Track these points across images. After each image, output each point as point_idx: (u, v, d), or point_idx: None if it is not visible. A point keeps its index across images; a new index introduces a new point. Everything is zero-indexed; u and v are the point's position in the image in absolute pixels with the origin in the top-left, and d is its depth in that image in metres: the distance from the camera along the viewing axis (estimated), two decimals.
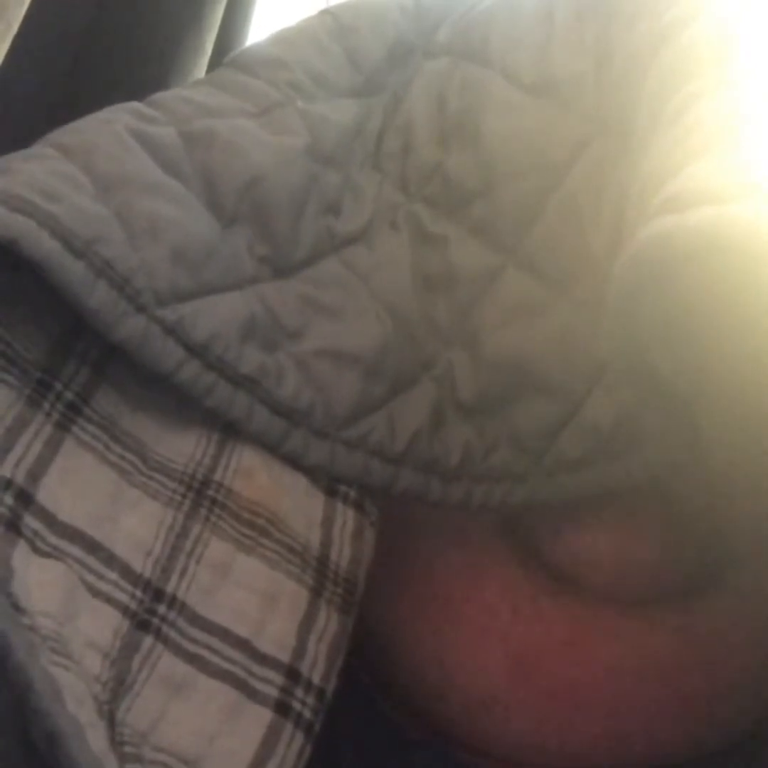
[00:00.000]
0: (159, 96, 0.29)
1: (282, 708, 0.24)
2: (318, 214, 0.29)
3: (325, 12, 0.32)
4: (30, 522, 0.23)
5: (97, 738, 0.20)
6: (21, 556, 0.22)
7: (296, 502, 0.27)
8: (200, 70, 0.52)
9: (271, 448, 0.26)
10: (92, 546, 0.23)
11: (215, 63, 0.53)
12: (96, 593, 0.23)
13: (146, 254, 0.24)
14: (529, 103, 0.29)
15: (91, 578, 0.23)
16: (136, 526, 0.24)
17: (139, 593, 0.24)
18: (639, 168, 0.23)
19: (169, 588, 0.24)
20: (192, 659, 0.24)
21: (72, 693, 0.20)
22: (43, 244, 0.22)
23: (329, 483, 0.27)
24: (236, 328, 0.26)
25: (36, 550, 0.22)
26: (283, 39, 0.31)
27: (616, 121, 0.27)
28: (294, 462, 0.27)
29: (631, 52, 0.27)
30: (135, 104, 0.28)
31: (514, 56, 0.30)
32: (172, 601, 0.24)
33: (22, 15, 0.45)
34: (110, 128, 0.26)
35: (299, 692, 0.25)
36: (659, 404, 0.25)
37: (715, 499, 0.27)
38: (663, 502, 0.28)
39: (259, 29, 0.57)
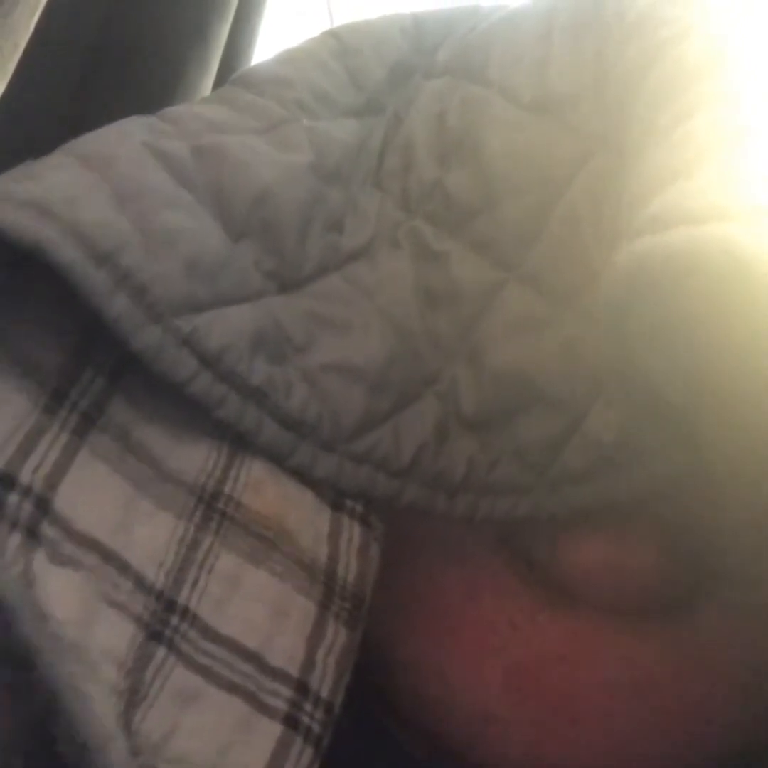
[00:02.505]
0: (170, 110, 0.29)
1: (291, 722, 0.25)
2: (323, 230, 0.29)
3: (328, 33, 0.33)
4: (47, 530, 0.23)
5: (120, 748, 0.21)
6: (40, 564, 0.22)
7: (303, 516, 0.27)
8: (206, 87, 0.53)
9: (279, 460, 0.27)
10: (108, 555, 0.24)
11: (220, 81, 0.53)
12: (112, 603, 0.23)
13: (162, 265, 0.25)
14: (528, 120, 0.29)
15: (107, 588, 0.23)
16: (149, 536, 0.25)
17: (152, 604, 0.24)
18: (630, 184, 0.24)
19: (181, 599, 0.24)
20: (203, 671, 0.24)
21: (97, 701, 0.21)
22: (68, 252, 0.23)
23: (335, 497, 0.27)
24: (247, 340, 0.26)
25: (53, 559, 0.23)
26: (287, 59, 0.32)
27: (614, 138, 0.27)
28: (301, 475, 0.27)
29: (626, 69, 0.27)
30: (149, 118, 0.28)
31: (513, 75, 0.30)
32: (185, 613, 0.24)
33: (30, 35, 0.46)
34: (128, 140, 0.26)
35: (308, 706, 0.25)
36: (657, 416, 0.25)
37: (709, 511, 0.27)
38: (657, 516, 0.28)
39: (264, 48, 0.57)
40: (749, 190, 0.19)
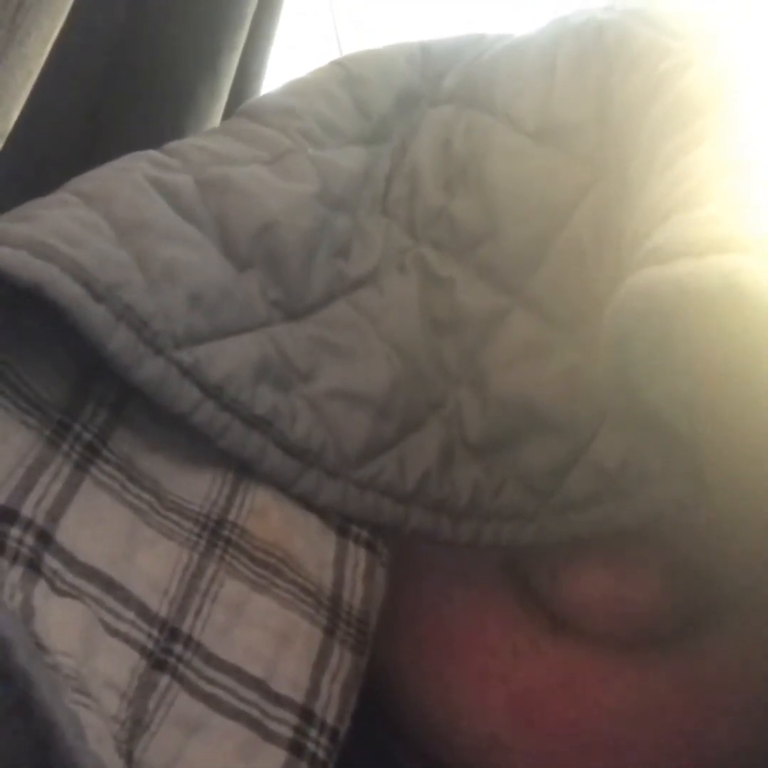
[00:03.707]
0: (174, 144, 0.29)
1: (296, 748, 0.25)
2: (329, 257, 0.29)
3: (335, 63, 0.33)
4: (49, 562, 0.23)
5: None
6: (41, 595, 0.22)
7: (308, 542, 0.27)
8: (216, 116, 0.53)
9: (284, 487, 0.27)
10: (110, 585, 0.24)
11: (231, 110, 0.54)
12: (114, 633, 0.23)
13: (164, 298, 0.25)
14: (532, 148, 0.29)
15: (108, 617, 0.23)
16: (153, 565, 0.25)
17: (155, 633, 0.24)
18: (633, 214, 0.24)
19: (185, 627, 0.24)
20: (207, 699, 0.24)
21: (93, 731, 0.21)
22: (67, 289, 0.23)
23: (341, 523, 0.28)
24: (250, 369, 0.26)
25: (55, 590, 0.23)
26: (293, 89, 0.32)
27: (617, 166, 0.28)
28: (306, 502, 0.27)
29: (629, 99, 0.27)
30: (152, 152, 0.29)
31: (518, 103, 0.30)
32: (188, 641, 0.24)
33: (43, 62, 0.47)
34: (129, 176, 0.27)
35: (313, 732, 0.25)
36: (660, 443, 0.25)
37: (712, 539, 0.27)
38: (660, 545, 0.28)
39: (274, 77, 0.58)
40: (752, 221, 0.19)
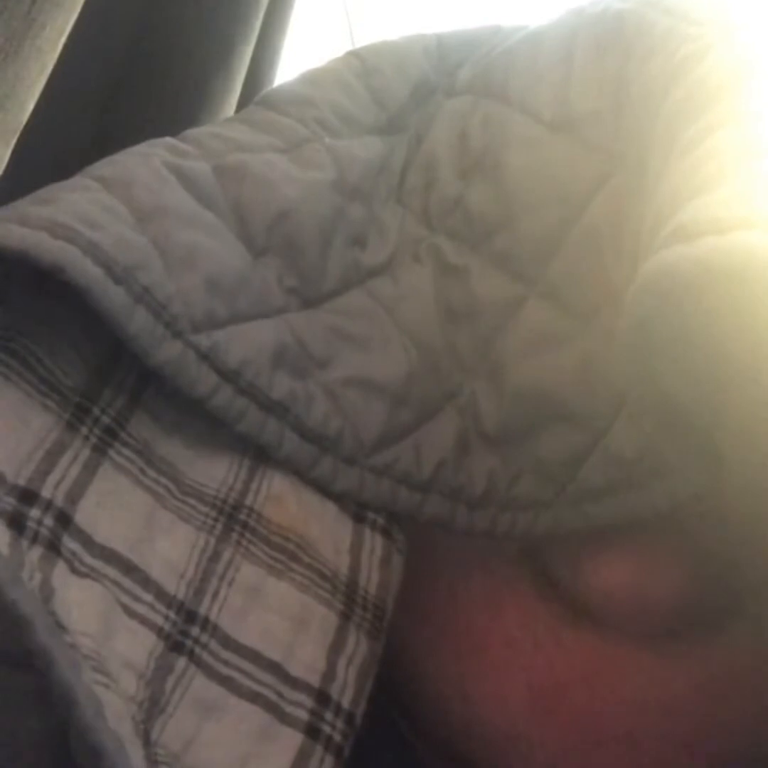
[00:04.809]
0: (192, 132, 0.30)
1: (312, 731, 0.25)
2: (345, 246, 0.29)
3: (350, 53, 0.33)
4: (68, 543, 0.23)
5: (135, 756, 0.21)
6: (60, 575, 0.22)
7: (325, 528, 0.27)
8: (230, 108, 0.54)
9: (301, 473, 0.27)
10: (128, 567, 0.24)
11: (244, 102, 0.54)
12: (132, 614, 0.23)
13: (182, 282, 0.25)
14: (549, 138, 0.29)
15: (126, 599, 0.24)
16: (170, 549, 0.25)
17: (172, 615, 0.24)
18: (653, 200, 0.24)
19: (202, 610, 0.25)
20: (224, 681, 0.24)
21: (113, 710, 0.21)
22: (87, 271, 0.23)
23: (357, 509, 0.28)
24: (267, 355, 0.26)
25: (74, 571, 0.23)
26: (310, 79, 0.32)
27: (634, 156, 0.28)
28: (323, 488, 0.27)
29: (646, 87, 0.27)
30: (169, 139, 0.29)
31: (534, 93, 0.30)
32: (205, 623, 0.24)
33: (57, 57, 0.47)
34: (148, 161, 0.27)
35: (329, 715, 0.25)
36: (679, 433, 0.25)
37: (733, 530, 0.27)
38: (681, 535, 0.28)
39: (287, 69, 0.58)
40: None
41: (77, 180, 0.26)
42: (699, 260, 0.19)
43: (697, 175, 0.21)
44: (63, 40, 0.47)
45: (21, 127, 0.47)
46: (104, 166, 0.27)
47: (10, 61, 0.44)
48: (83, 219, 0.24)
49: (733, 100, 0.23)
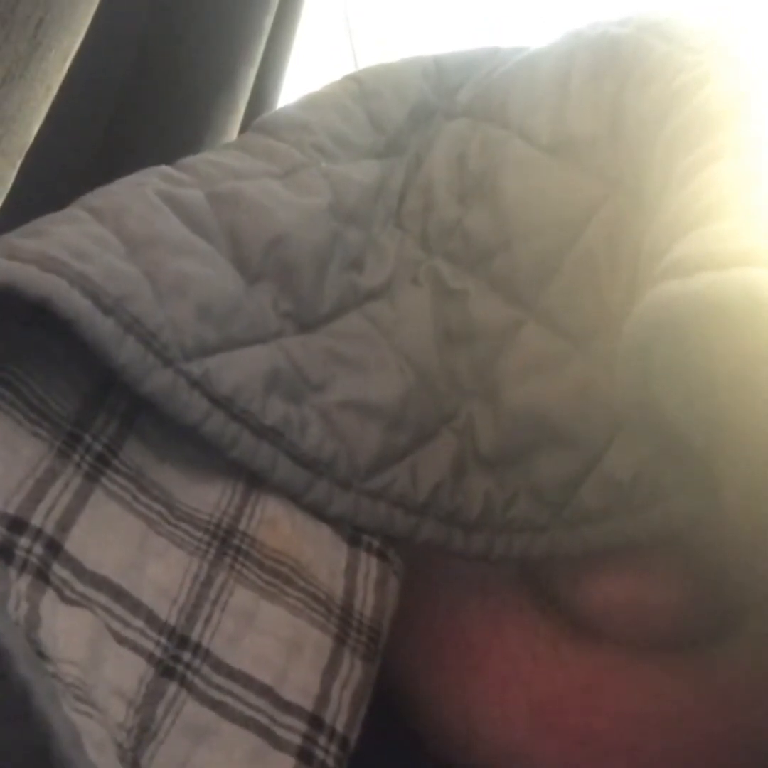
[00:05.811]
0: (187, 160, 0.30)
1: (305, 756, 0.25)
2: (341, 270, 0.29)
3: (349, 77, 0.34)
4: (58, 571, 0.23)
5: None
6: (49, 604, 0.22)
7: (319, 551, 0.27)
8: (233, 130, 0.54)
9: (295, 498, 0.27)
10: (119, 594, 0.24)
11: (248, 123, 0.54)
12: (122, 641, 0.23)
13: (173, 310, 0.25)
14: (546, 162, 0.30)
15: (117, 626, 0.23)
16: (162, 574, 0.25)
17: (164, 641, 0.24)
18: (650, 228, 0.24)
19: (194, 635, 0.25)
20: (216, 706, 0.24)
21: (93, 740, 0.21)
22: (74, 302, 0.23)
23: (352, 532, 0.28)
24: (260, 380, 0.26)
25: (63, 599, 0.23)
26: (307, 103, 0.32)
27: (631, 181, 0.28)
28: (317, 512, 0.27)
29: (644, 113, 0.27)
30: (164, 168, 0.29)
31: (532, 117, 0.30)
32: (197, 649, 0.24)
33: (63, 78, 0.47)
34: (140, 191, 0.27)
35: (322, 740, 0.25)
36: (675, 457, 0.25)
37: (733, 549, 0.27)
38: (681, 552, 0.28)
39: (291, 91, 0.58)
40: None
41: (68, 211, 0.26)
42: (695, 295, 0.19)
43: (695, 205, 0.21)
44: (68, 62, 0.47)
45: (27, 148, 0.47)
46: (96, 197, 0.27)
47: (17, 83, 0.45)
48: (73, 251, 0.24)
49: (732, 130, 0.23)
